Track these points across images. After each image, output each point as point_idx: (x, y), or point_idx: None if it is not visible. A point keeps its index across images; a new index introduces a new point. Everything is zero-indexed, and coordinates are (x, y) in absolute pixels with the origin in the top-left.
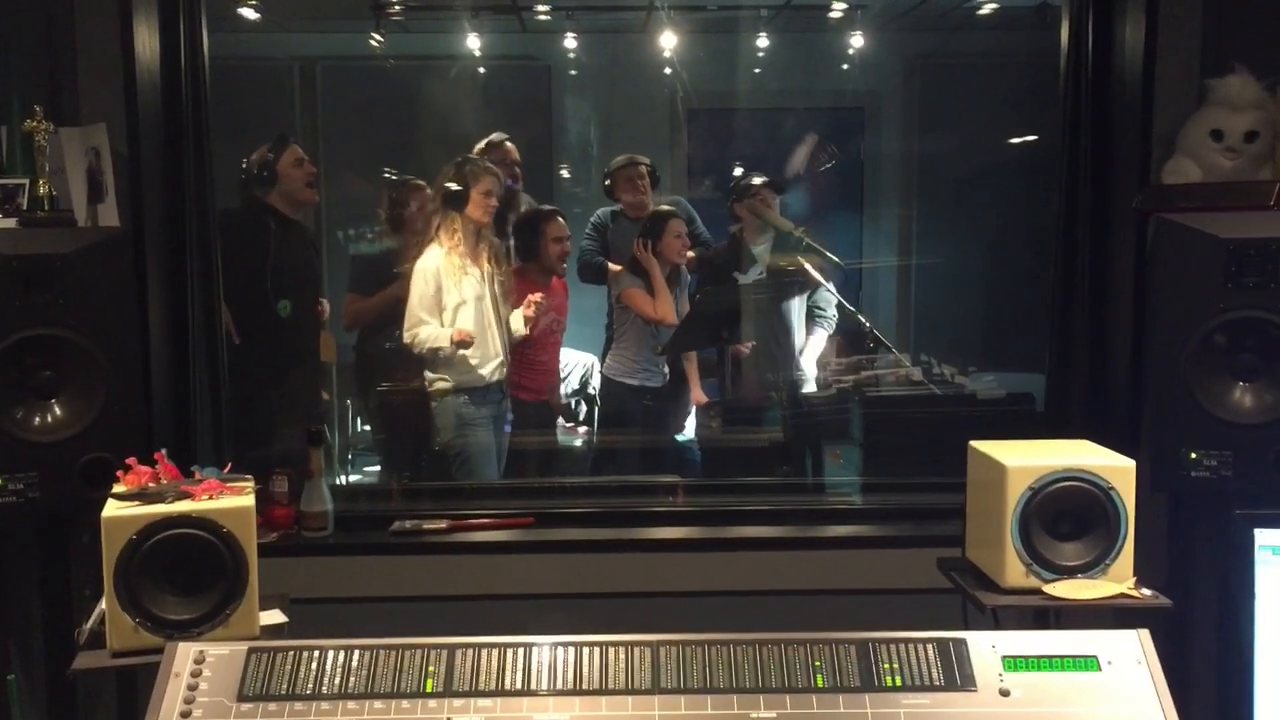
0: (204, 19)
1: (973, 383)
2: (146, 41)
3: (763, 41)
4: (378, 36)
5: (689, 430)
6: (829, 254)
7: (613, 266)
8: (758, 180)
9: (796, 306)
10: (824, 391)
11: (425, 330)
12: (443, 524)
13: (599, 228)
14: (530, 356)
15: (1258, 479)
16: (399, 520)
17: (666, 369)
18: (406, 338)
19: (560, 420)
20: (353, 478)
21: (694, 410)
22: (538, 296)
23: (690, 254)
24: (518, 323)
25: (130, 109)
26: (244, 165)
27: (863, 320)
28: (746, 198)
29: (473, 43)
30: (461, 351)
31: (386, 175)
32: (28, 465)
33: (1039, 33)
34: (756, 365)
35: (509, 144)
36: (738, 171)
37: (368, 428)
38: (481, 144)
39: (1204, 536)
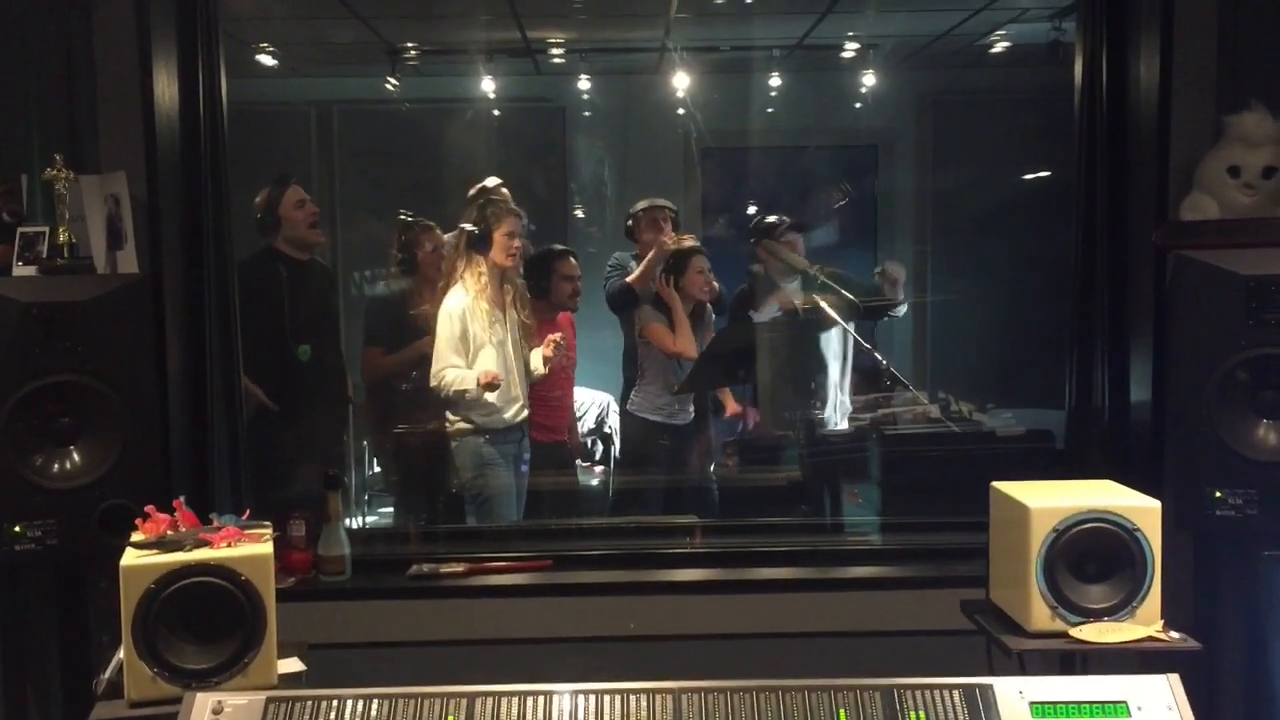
0: (222, 66)
1: (991, 420)
2: (165, 89)
3: (775, 81)
4: (393, 80)
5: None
6: (845, 292)
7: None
8: (777, 220)
9: (834, 342)
10: (841, 429)
11: (452, 373)
12: (460, 567)
13: (618, 268)
14: (543, 393)
15: None
16: (416, 564)
17: (692, 408)
18: (433, 381)
19: (578, 460)
20: (369, 519)
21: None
22: (558, 336)
23: (714, 285)
24: (536, 361)
25: (150, 156)
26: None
27: (879, 357)
28: (767, 238)
29: (487, 85)
30: (488, 395)
31: (401, 217)
32: (46, 512)
33: (1052, 69)
34: (790, 402)
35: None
36: (750, 210)
37: (382, 470)
38: (473, 190)
39: (1231, 576)
